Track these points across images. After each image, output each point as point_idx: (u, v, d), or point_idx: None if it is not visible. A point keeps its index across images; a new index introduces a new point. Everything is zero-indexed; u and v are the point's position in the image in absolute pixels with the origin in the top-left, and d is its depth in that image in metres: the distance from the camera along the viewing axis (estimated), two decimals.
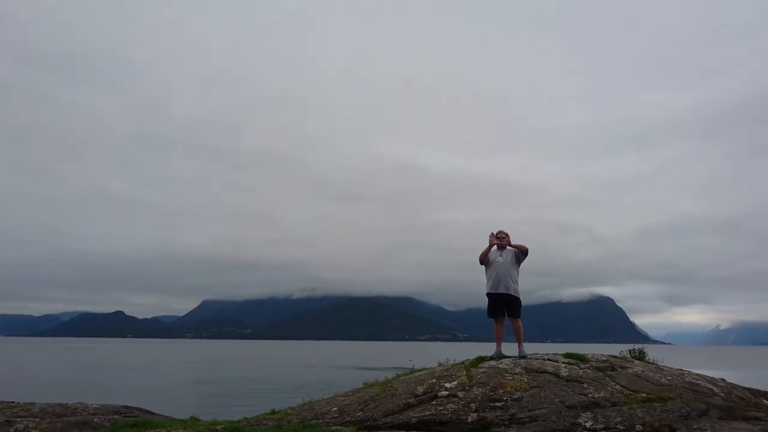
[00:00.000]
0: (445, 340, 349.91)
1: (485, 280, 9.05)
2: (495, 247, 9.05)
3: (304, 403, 8.79)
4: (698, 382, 7.78)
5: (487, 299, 9.00)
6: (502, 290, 8.81)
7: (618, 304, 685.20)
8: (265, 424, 7.77)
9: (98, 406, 11.09)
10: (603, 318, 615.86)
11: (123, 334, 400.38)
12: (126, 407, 12.38)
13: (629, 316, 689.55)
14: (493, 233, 9.06)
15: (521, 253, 8.98)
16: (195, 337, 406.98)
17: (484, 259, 9.08)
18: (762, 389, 8.70)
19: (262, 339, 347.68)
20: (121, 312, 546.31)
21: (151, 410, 13.02)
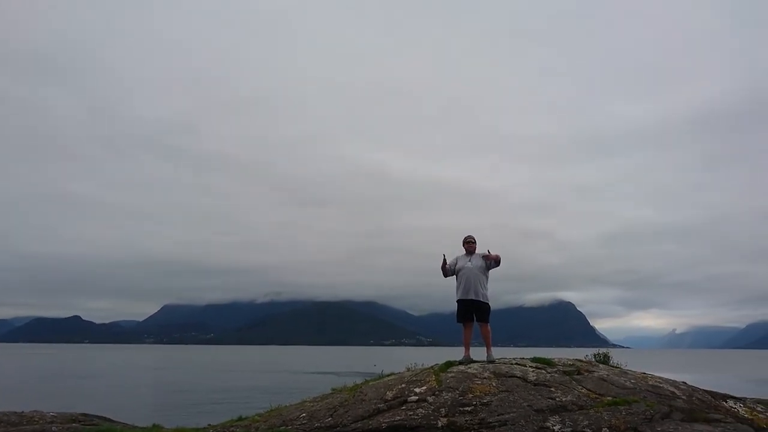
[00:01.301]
0: (409, 345, 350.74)
1: (455, 285, 9.12)
2: (464, 252, 9.19)
3: (272, 409, 8.68)
4: (661, 385, 7.95)
5: (456, 305, 9.06)
6: (471, 296, 8.87)
7: (579, 309, 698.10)
8: (233, 431, 7.64)
9: (56, 414, 10.77)
10: (564, 322, 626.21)
11: (80, 340, 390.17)
12: (85, 415, 12.03)
13: (589, 321, 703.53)
14: (444, 256, 9.13)
15: (494, 262, 9.05)
16: (155, 342, 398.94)
17: (447, 273, 9.17)
18: (720, 392, 8.94)
19: (225, 344, 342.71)
20: (78, 317, 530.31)
21: (112, 418, 12.68)
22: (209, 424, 9.40)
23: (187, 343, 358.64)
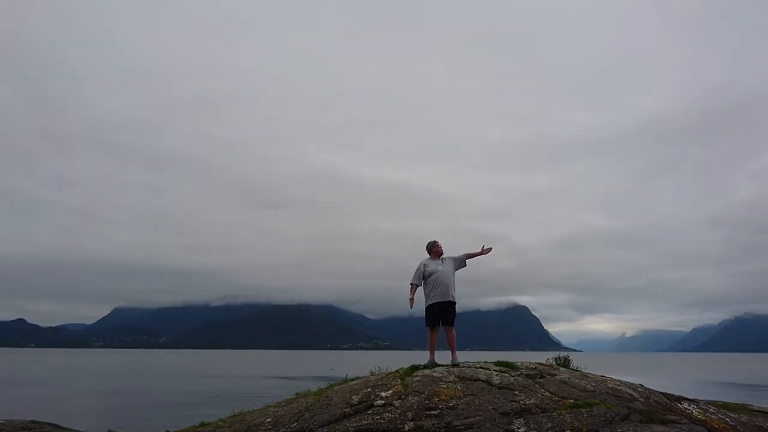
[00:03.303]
0: (367, 349, 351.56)
1: (425, 290, 9.15)
2: (429, 257, 9.28)
3: (235, 415, 8.56)
4: (620, 387, 8.19)
5: (428, 309, 9.09)
6: (450, 298, 8.99)
7: (533, 313, 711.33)
8: None
9: (4, 422, 10.44)
10: (519, 326, 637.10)
11: (24, 344, 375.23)
12: (35, 422, 11.68)
13: (543, 325, 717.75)
14: (411, 287, 9.14)
15: (463, 262, 9.28)
16: (105, 346, 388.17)
17: (417, 285, 9.19)
18: (674, 393, 9.25)
19: (179, 348, 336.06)
20: (23, 320, 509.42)
21: (63, 425, 12.33)
22: (167, 431, 9.21)
23: (138, 347, 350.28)
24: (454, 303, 9.03)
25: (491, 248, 9.28)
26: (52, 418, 13.59)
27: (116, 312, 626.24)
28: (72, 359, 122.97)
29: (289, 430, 7.12)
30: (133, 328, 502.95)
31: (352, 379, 9.18)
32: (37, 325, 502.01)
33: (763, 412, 9.50)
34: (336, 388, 8.61)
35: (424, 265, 9.19)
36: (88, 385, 44.83)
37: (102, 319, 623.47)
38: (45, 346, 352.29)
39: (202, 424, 8.41)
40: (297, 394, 9.01)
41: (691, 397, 9.11)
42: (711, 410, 8.28)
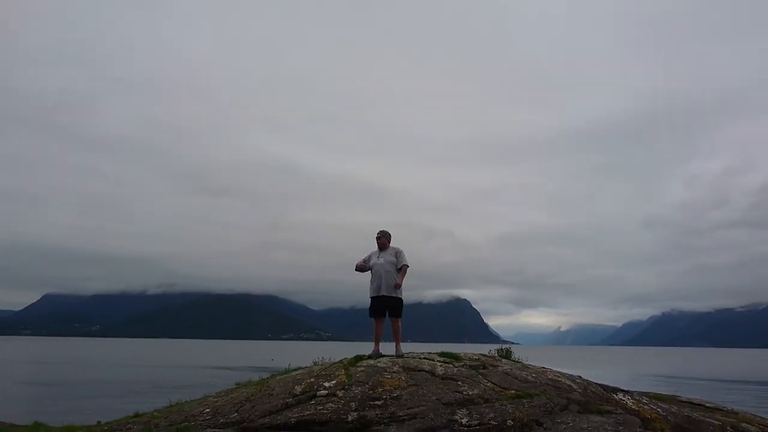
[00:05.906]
0: (308, 339, 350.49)
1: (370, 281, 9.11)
2: (376, 248, 9.22)
3: (172, 405, 8.28)
4: (559, 379, 8.38)
5: (370, 300, 9.07)
6: (383, 292, 8.90)
7: (474, 306, 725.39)
8: (129, 428, 7.19)
9: None
10: (460, 319, 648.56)
11: None
12: None
13: (483, 318, 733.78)
14: (357, 263, 9.14)
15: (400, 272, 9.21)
16: (34, 334, 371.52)
17: (363, 270, 9.16)
18: (609, 385, 9.55)
19: (112, 337, 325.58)
20: None
21: None
22: (99, 422, 8.83)
23: (69, 336, 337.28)
24: (390, 297, 8.89)
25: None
26: None
27: (46, 298, 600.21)
28: None
29: (228, 420, 6.93)
30: (65, 316, 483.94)
31: (295, 370, 9.04)
32: None
33: (690, 402, 9.95)
34: (278, 378, 8.46)
35: (370, 255, 9.22)
36: (12, 374, 42.74)
37: (31, 305, 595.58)
38: None
39: (137, 415, 8.09)
40: (237, 384, 8.80)
41: (625, 388, 9.44)
42: (644, 401, 8.58)
